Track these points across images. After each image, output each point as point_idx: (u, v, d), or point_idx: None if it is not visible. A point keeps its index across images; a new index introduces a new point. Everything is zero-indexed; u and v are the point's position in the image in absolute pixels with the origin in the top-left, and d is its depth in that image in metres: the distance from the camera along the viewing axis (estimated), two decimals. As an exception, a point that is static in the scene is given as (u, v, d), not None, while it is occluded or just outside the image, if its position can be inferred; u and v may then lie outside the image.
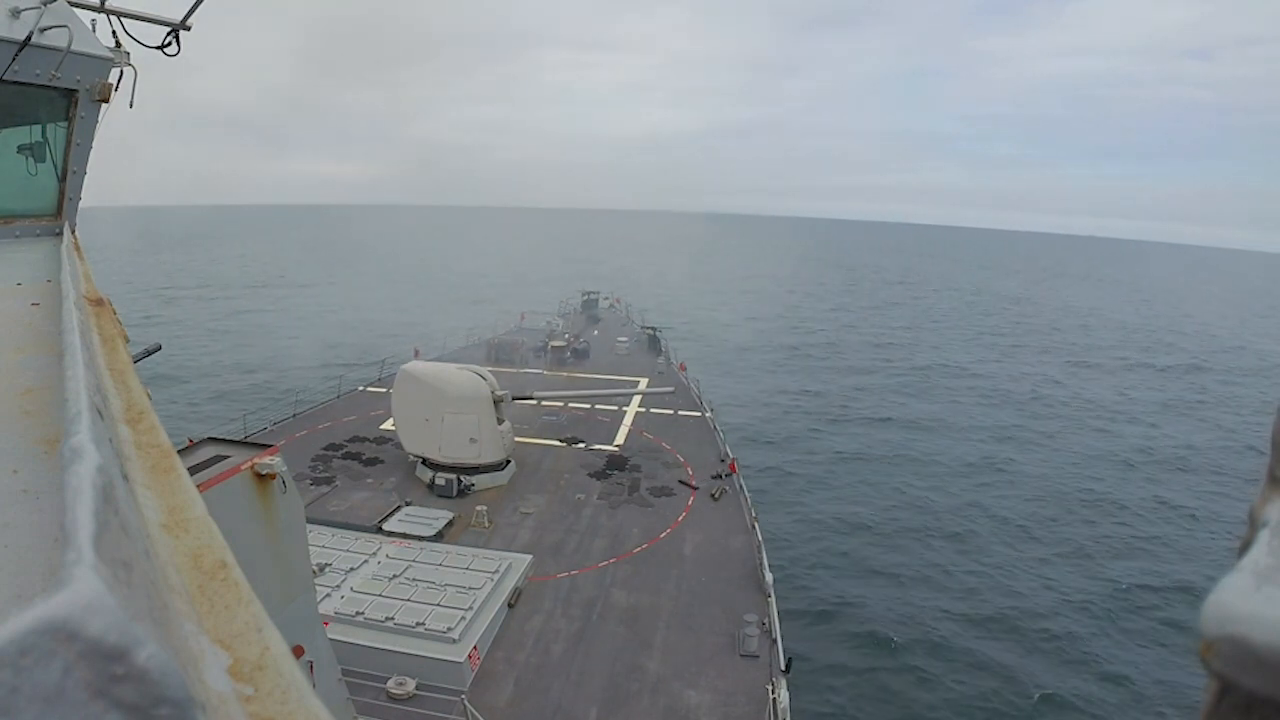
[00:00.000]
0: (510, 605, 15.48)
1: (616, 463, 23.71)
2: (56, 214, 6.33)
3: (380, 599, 14.67)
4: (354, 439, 25.07)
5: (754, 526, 19.33)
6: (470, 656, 13.51)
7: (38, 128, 6.07)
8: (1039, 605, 23.13)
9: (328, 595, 14.47)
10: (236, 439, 7.82)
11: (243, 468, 6.52)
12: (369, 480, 21.98)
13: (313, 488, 20.80)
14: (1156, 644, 21.49)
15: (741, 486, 21.88)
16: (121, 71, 6.20)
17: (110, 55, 6.02)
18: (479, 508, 19.73)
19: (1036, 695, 19.04)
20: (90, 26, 5.88)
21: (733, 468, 23.03)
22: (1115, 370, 59.05)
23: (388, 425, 25.13)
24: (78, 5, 5.90)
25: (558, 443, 25.50)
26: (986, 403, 47.51)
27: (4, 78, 5.22)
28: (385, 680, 12.83)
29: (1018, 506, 30.55)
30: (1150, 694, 19.38)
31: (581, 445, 25.39)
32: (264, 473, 6.62)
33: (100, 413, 1.42)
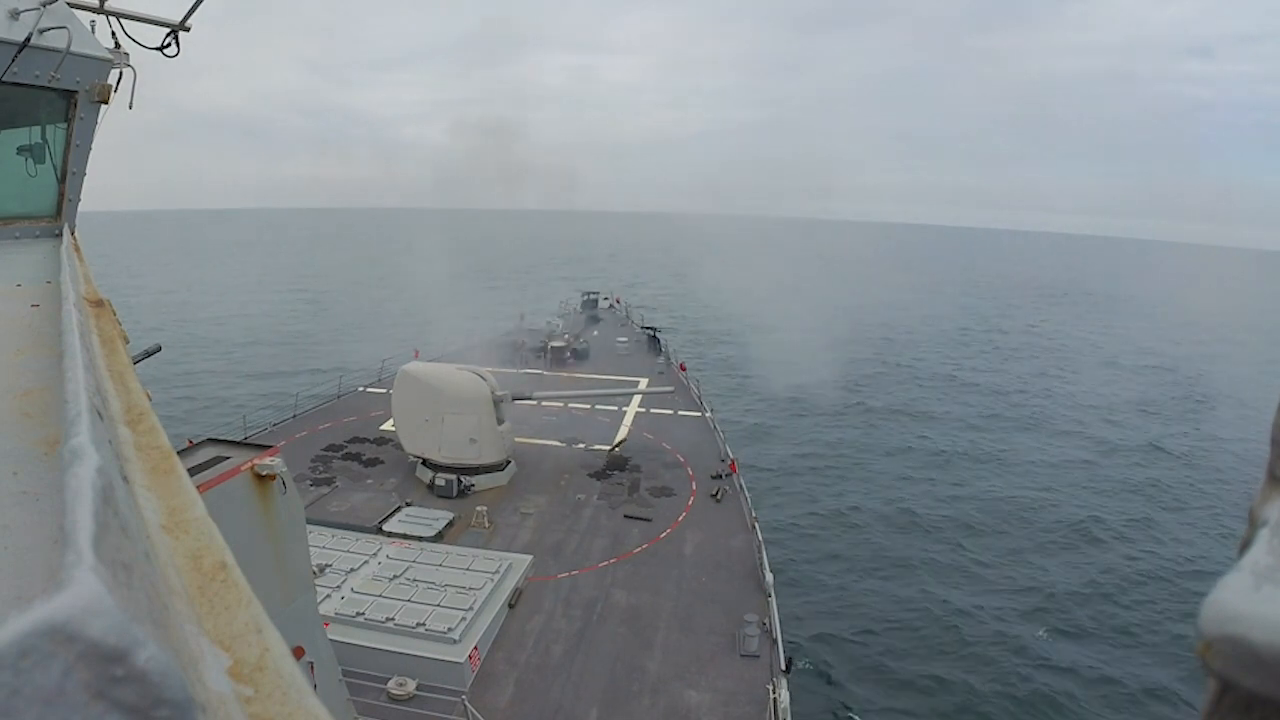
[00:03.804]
0: (510, 606, 15.48)
1: (616, 463, 23.71)
2: (56, 215, 6.33)
3: (380, 600, 14.67)
4: (354, 439, 25.07)
5: (754, 526, 19.34)
6: (471, 657, 13.51)
7: (37, 129, 6.07)
8: (1045, 603, 23.13)
9: (328, 596, 14.47)
10: (236, 440, 7.80)
11: (243, 469, 6.51)
12: (369, 481, 21.97)
13: (313, 488, 20.81)
14: (1167, 643, 21.49)
15: (742, 486, 21.88)
16: (120, 72, 6.20)
17: (109, 56, 6.01)
18: (479, 508, 19.72)
19: (1040, 694, 19.04)
20: (90, 28, 5.88)
21: (733, 468, 23.02)
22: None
23: (388, 426, 25.13)
24: (77, 6, 5.89)
25: (558, 443, 25.50)
26: (997, 399, 47.53)
27: (3, 79, 5.22)
28: (386, 681, 12.83)
29: (1025, 503, 30.54)
30: (1153, 692, 19.38)
31: (581, 445, 25.39)
32: (264, 474, 6.61)
33: (100, 414, 1.42)
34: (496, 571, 16.03)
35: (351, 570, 15.84)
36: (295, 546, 7.22)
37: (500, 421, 21.95)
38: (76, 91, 5.88)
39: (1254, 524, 0.66)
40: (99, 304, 3.18)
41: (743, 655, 14.07)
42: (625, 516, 19.94)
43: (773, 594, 15.96)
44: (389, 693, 12.66)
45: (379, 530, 18.42)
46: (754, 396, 45.57)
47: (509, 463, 22.48)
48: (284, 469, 6.79)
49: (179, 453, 2.51)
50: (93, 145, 6.36)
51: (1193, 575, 25.35)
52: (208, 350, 55.04)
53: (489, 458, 21.70)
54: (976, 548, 26.73)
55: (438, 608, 14.43)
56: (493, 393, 22.01)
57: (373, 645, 13.51)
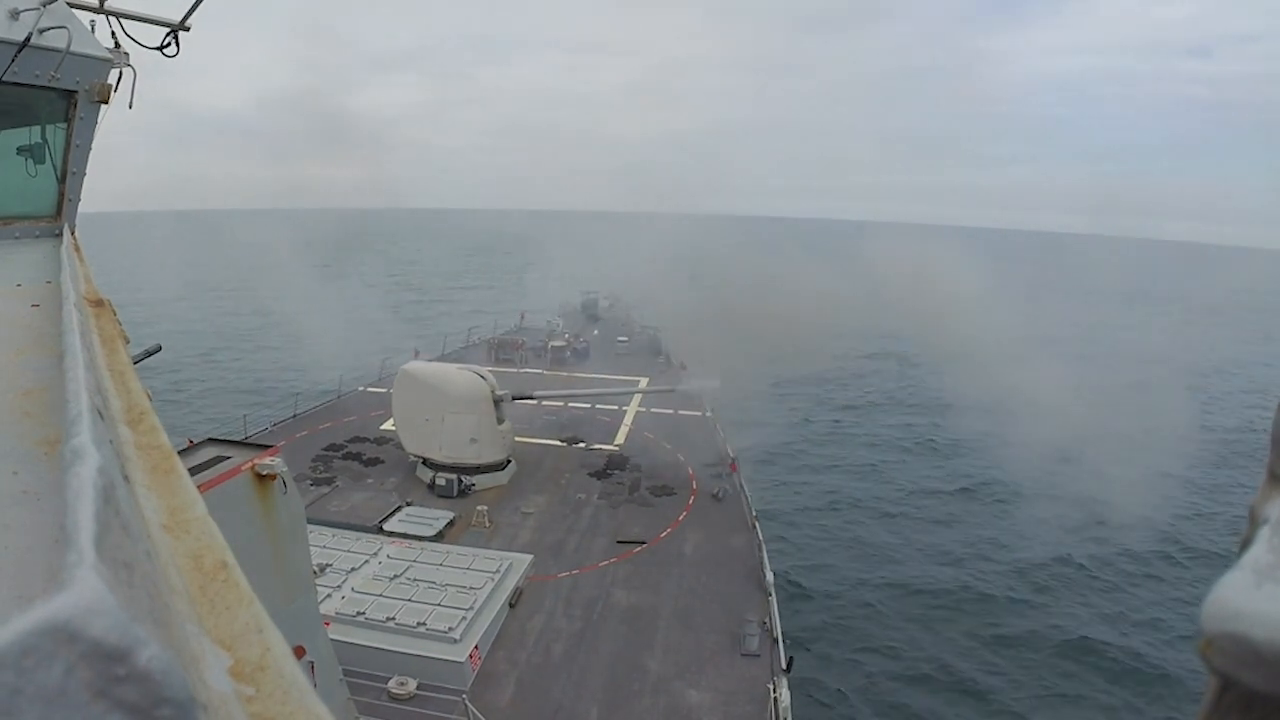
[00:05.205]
0: (511, 605, 15.49)
1: (617, 462, 23.72)
2: (56, 215, 6.33)
3: (381, 599, 14.69)
4: (354, 439, 25.08)
5: (755, 525, 19.34)
6: (471, 656, 13.52)
7: (37, 129, 6.06)
8: (1046, 601, 23.13)
9: (329, 595, 14.49)
10: (237, 440, 7.82)
11: (243, 468, 6.52)
12: (369, 480, 21.98)
13: (313, 488, 20.81)
14: (1168, 640, 21.49)
15: (742, 486, 21.89)
16: (120, 72, 6.20)
17: (109, 56, 6.01)
18: (479, 508, 19.74)
19: (1041, 690, 19.05)
20: (89, 27, 5.88)
21: (733, 467, 23.03)
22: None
23: (388, 425, 25.14)
24: (77, 6, 5.89)
25: (558, 442, 25.52)
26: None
27: (3, 79, 5.22)
28: (387, 680, 12.84)
29: (1028, 500, 30.50)
30: (1157, 691, 19.39)
31: (582, 445, 25.41)
32: (264, 473, 6.61)
33: (101, 414, 1.42)
34: (497, 571, 16.04)
35: (352, 570, 15.85)
36: (296, 546, 7.22)
37: (500, 421, 21.97)
38: (76, 91, 5.87)
39: (1254, 522, 0.66)
40: (99, 304, 3.18)
41: (743, 654, 14.07)
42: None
43: (773, 593, 15.96)
44: (390, 692, 12.67)
45: (379, 530, 18.43)
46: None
47: (509, 462, 22.49)
48: (284, 469, 6.79)
49: (180, 452, 2.51)
50: (92, 145, 6.36)
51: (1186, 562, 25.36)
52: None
53: (489, 457, 21.71)
54: (978, 541, 26.72)
55: (438, 607, 14.44)
56: (493, 392, 22.03)
57: (373, 645, 13.52)
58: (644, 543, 18.69)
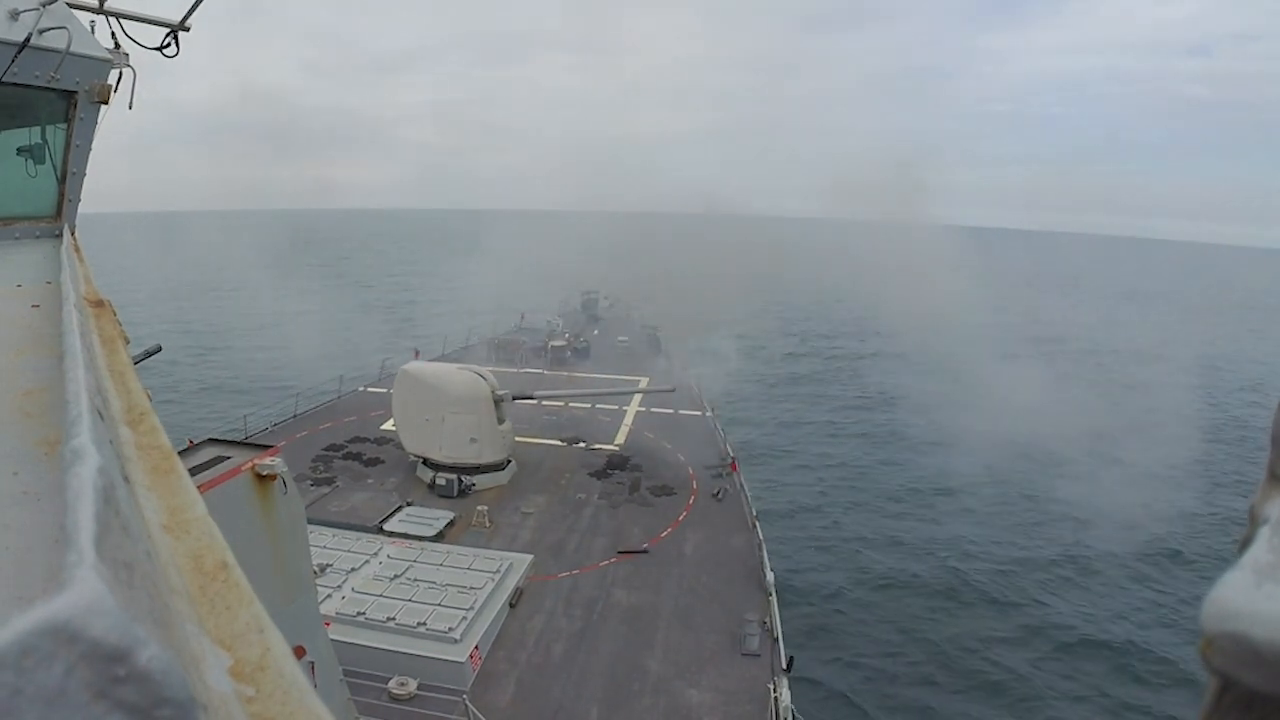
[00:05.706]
0: (511, 605, 15.50)
1: (617, 462, 23.72)
2: (56, 216, 6.32)
3: (381, 599, 14.69)
4: (354, 439, 25.08)
5: (755, 525, 19.34)
6: (472, 656, 13.52)
7: (37, 129, 6.06)
8: (1045, 600, 23.13)
9: (329, 596, 14.49)
10: (237, 440, 7.81)
11: (243, 469, 6.51)
12: (370, 480, 21.98)
13: (313, 488, 20.81)
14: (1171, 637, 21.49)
15: (742, 485, 21.89)
16: (120, 73, 6.20)
17: (109, 56, 6.01)
18: (480, 508, 19.74)
19: (1041, 689, 19.05)
20: (89, 28, 5.88)
21: (734, 467, 23.03)
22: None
23: (388, 425, 25.14)
24: (77, 6, 5.89)
25: (558, 442, 25.52)
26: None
27: (3, 79, 5.22)
28: (387, 680, 12.84)
29: (1027, 499, 30.51)
30: (1157, 690, 19.38)
31: (582, 445, 25.41)
32: (265, 473, 6.60)
33: (101, 414, 1.42)
34: (497, 571, 16.04)
35: (352, 570, 15.85)
36: (296, 546, 7.21)
37: (501, 421, 21.97)
38: (76, 92, 5.88)
39: (1254, 522, 0.66)
40: (99, 304, 3.18)
41: (744, 654, 14.07)
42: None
43: (773, 593, 15.96)
44: (390, 692, 12.66)
45: (380, 530, 18.44)
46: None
47: (509, 462, 22.49)
48: (285, 469, 6.79)
49: (180, 453, 2.51)
50: (92, 145, 6.36)
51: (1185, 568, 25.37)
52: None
53: (489, 457, 21.71)
54: (977, 540, 26.73)
55: (439, 607, 14.44)
56: (493, 392, 22.03)
57: (374, 645, 13.53)
58: (645, 550, 18.32)
